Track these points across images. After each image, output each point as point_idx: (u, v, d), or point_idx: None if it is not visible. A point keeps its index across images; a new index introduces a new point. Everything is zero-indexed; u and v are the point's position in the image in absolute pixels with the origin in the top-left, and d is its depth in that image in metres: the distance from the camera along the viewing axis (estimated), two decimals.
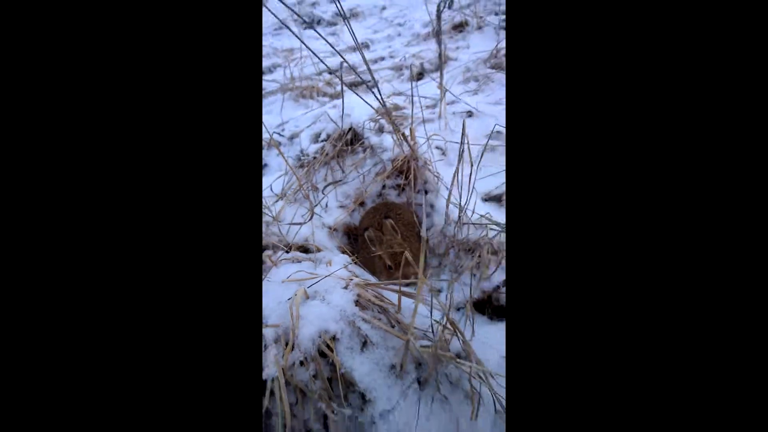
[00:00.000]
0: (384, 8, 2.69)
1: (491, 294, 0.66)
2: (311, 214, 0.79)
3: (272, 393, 0.43)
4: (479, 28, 2.02)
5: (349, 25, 0.77)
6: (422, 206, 0.94)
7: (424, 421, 0.47)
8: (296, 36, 0.73)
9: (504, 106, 1.20)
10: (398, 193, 1.03)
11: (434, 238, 0.87)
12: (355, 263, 0.73)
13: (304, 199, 0.95)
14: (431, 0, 2.05)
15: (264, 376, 0.43)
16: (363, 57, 0.77)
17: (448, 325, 0.49)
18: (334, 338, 0.48)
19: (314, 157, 1.09)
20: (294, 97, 1.58)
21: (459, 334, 0.49)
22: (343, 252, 0.82)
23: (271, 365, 0.43)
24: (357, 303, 0.53)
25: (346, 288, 0.54)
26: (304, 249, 0.78)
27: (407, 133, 0.98)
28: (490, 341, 0.57)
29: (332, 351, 0.47)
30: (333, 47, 0.75)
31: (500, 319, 0.65)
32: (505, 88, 1.36)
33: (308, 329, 0.48)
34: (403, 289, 0.54)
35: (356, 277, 0.60)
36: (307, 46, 0.76)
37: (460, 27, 2.06)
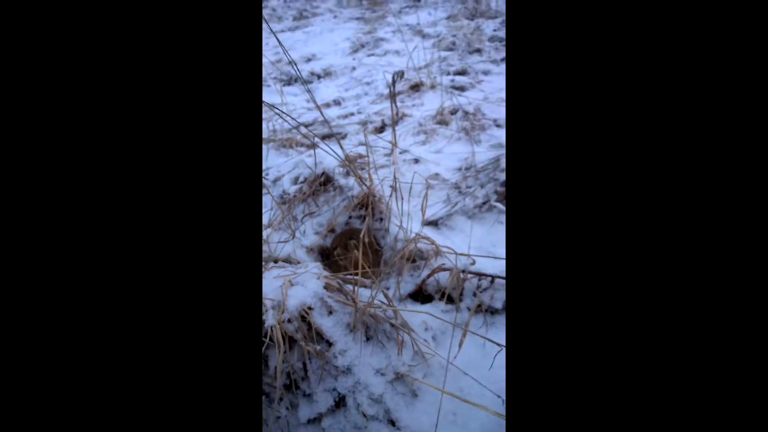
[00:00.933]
0: (354, 68, 3.13)
1: (421, 286, 0.96)
2: (292, 235, 1.08)
3: (271, 339, 0.70)
4: (432, 87, 2.46)
5: (312, 96, 1.10)
6: (365, 226, 1.25)
7: (367, 357, 0.74)
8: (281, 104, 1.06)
9: (441, 153, 1.56)
10: (361, 221, 1.33)
11: (387, 252, 1.17)
12: (325, 269, 1.01)
13: (287, 228, 1.24)
14: (388, 69, 2.49)
15: (265, 326, 0.70)
16: (324, 117, 1.10)
17: (384, 298, 0.78)
18: (310, 308, 0.76)
19: (294, 196, 1.39)
20: (276, 147, 1.91)
21: (387, 300, 0.78)
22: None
23: (270, 319, 0.70)
24: (325, 287, 0.81)
25: (318, 279, 0.83)
26: (288, 261, 1.06)
27: (366, 176, 1.31)
28: (416, 313, 0.86)
29: (308, 315, 0.75)
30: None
31: (425, 302, 0.94)
32: (448, 138, 1.74)
33: (293, 302, 0.76)
34: (357, 279, 0.83)
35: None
36: (277, 111, 1.10)
37: (416, 87, 2.48)
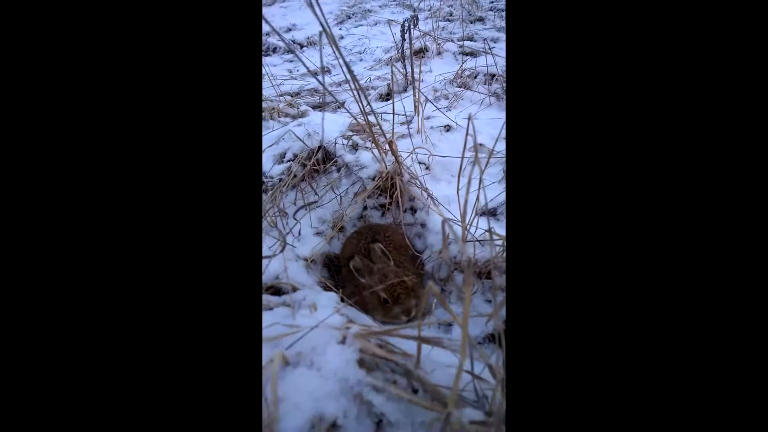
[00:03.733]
0: (342, 38, 2.65)
1: None
2: (282, 244, 0.61)
3: None
4: (439, 53, 2.01)
5: (298, 56, 0.64)
6: (408, 225, 0.79)
7: None
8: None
9: (478, 120, 1.11)
10: (382, 213, 0.88)
11: (432, 261, 0.72)
12: (343, 301, 0.56)
13: (270, 227, 0.77)
14: (394, 23, 2.02)
15: None
16: (320, 81, 0.64)
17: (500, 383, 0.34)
18: (334, 425, 0.31)
19: (279, 180, 0.91)
20: None
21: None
22: (327, 289, 0.64)
23: None
24: (361, 363, 0.36)
25: (342, 342, 0.37)
26: (276, 290, 0.60)
27: (386, 147, 0.85)
28: None
29: None
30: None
31: None
32: (477, 104, 1.29)
33: (295, 418, 0.30)
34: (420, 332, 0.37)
35: (352, 323, 0.43)
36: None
37: (420, 53, 2.02)
